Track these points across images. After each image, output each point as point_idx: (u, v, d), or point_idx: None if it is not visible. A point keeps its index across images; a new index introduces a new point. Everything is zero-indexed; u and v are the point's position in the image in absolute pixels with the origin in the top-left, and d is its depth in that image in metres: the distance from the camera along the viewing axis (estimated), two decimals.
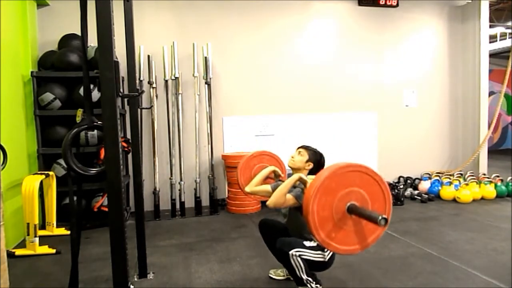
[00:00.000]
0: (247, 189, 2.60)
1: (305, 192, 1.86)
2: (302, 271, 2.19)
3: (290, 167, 2.48)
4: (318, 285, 2.27)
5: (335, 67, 5.57)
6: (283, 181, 2.38)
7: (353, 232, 1.79)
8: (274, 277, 2.70)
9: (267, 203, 2.26)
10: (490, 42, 6.38)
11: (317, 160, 2.43)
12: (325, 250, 2.24)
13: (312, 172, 2.40)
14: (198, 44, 4.75)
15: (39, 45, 4.44)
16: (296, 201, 2.20)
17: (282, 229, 2.51)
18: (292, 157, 2.46)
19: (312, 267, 2.25)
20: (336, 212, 1.75)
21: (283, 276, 2.68)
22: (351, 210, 1.75)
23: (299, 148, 2.49)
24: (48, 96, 4.01)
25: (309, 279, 2.21)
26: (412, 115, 5.98)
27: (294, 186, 2.25)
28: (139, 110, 4.12)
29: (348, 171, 1.78)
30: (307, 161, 2.41)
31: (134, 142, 2.85)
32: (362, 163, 1.82)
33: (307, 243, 2.24)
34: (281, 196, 2.18)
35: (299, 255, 2.18)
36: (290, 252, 2.16)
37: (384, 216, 1.61)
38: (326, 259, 2.27)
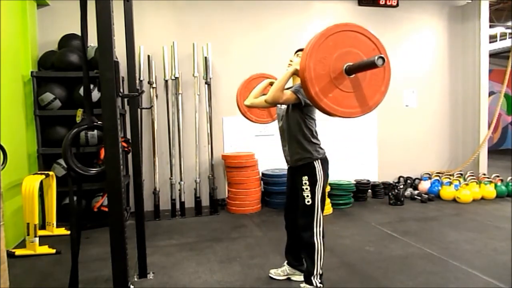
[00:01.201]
0: (247, 102, 2.58)
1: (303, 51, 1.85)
2: (320, 259, 2.29)
3: (292, 70, 2.38)
4: (321, 285, 2.32)
5: None
6: None
7: (353, 95, 1.80)
8: (274, 277, 2.70)
9: (265, 98, 2.30)
10: (490, 42, 6.39)
11: None
12: (316, 178, 2.32)
13: None
14: (198, 44, 4.75)
15: (39, 45, 4.44)
16: (295, 96, 2.23)
17: (293, 196, 2.48)
18: (291, 61, 2.43)
19: (325, 187, 2.38)
20: (333, 70, 1.75)
21: (284, 276, 2.68)
22: (349, 70, 1.75)
23: (297, 51, 2.44)
24: (48, 96, 4.01)
25: (320, 272, 2.29)
26: (412, 115, 5.97)
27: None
28: (139, 110, 4.12)
29: (345, 30, 1.80)
30: None
31: (134, 142, 2.85)
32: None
33: (307, 201, 2.31)
34: (278, 89, 2.21)
35: (323, 244, 2.30)
36: (316, 242, 2.27)
37: (380, 55, 1.61)
38: (322, 175, 2.34)
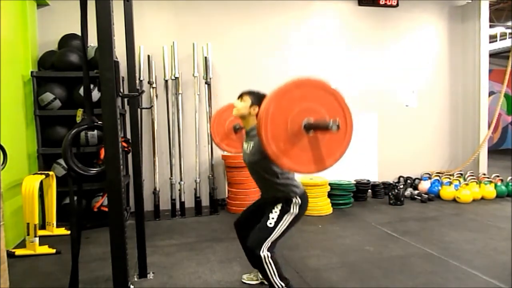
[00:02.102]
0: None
1: (262, 103, 1.79)
2: (275, 276, 2.13)
3: (235, 116, 2.35)
4: None
5: (335, 67, 5.57)
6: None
7: (310, 152, 1.74)
8: (247, 282, 2.65)
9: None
10: (490, 42, 6.38)
11: (262, 101, 2.24)
12: (290, 208, 2.19)
13: None
14: (198, 44, 4.74)
15: (39, 45, 4.44)
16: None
17: (252, 219, 2.36)
18: (235, 105, 2.32)
19: (289, 228, 2.21)
20: (292, 126, 1.71)
21: (257, 280, 2.63)
22: (308, 126, 1.71)
23: (239, 95, 2.35)
24: (48, 96, 4.01)
25: (282, 283, 2.15)
26: (412, 115, 5.97)
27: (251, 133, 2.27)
28: (139, 110, 4.12)
29: (312, 85, 1.76)
30: (251, 105, 2.25)
31: (134, 142, 2.85)
32: (326, 81, 1.79)
33: (270, 222, 2.16)
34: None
35: (271, 256, 2.11)
36: (262, 255, 2.09)
37: (336, 121, 1.57)
38: (297, 211, 2.20)
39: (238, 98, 2.34)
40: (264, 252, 2.10)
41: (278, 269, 2.13)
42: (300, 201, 2.22)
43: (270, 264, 2.11)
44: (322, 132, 1.72)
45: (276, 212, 2.19)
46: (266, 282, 2.51)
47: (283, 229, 2.18)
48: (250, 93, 2.30)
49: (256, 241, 2.15)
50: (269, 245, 2.13)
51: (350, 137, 1.84)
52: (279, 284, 2.14)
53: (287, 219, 2.19)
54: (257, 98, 2.26)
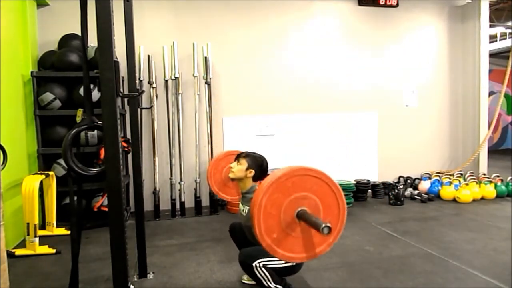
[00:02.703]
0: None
1: (256, 190, 1.78)
2: (269, 281, 2.11)
3: (231, 178, 2.38)
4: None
5: (335, 67, 5.57)
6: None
7: (301, 240, 1.74)
8: (247, 282, 2.64)
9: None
10: (490, 42, 6.38)
11: (258, 165, 2.34)
12: None
13: (255, 178, 2.34)
14: (198, 44, 4.74)
15: (39, 45, 4.44)
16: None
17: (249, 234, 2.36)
18: (231, 168, 2.37)
19: (281, 273, 2.16)
20: (285, 216, 1.70)
21: None
22: (301, 216, 1.70)
23: (236, 157, 2.40)
24: (48, 96, 4.01)
25: (277, 286, 2.13)
26: (412, 115, 5.97)
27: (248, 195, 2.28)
28: (139, 110, 4.12)
29: (307, 174, 1.73)
30: (247, 169, 2.31)
31: (134, 142, 2.85)
32: (325, 172, 1.77)
33: None
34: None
35: (263, 265, 2.09)
36: (253, 264, 2.08)
37: (327, 224, 1.56)
38: (294, 263, 2.15)
39: (235, 160, 2.38)
40: (256, 263, 2.09)
41: (271, 274, 2.11)
42: None
43: (262, 272, 2.10)
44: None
45: None
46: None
47: (280, 265, 2.13)
48: (247, 156, 2.34)
49: (251, 255, 2.12)
50: (263, 265, 2.09)
51: (342, 225, 1.84)
52: (273, 287, 2.13)
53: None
54: (254, 160, 2.31)
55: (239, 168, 2.32)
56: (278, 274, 2.16)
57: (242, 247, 2.39)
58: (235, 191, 2.86)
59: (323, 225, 1.57)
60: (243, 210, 2.36)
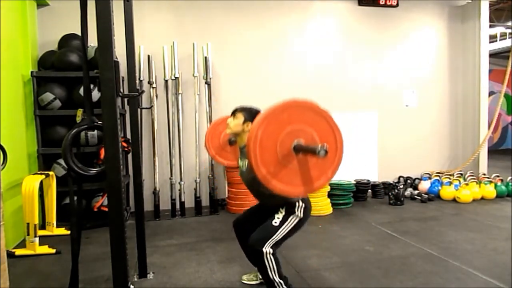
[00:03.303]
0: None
1: (252, 123, 1.77)
2: (275, 273, 2.12)
3: (230, 135, 2.36)
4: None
5: (335, 67, 5.57)
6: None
7: (298, 173, 1.73)
8: (247, 282, 2.64)
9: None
10: (490, 42, 6.38)
11: (254, 118, 2.19)
12: (295, 211, 2.19)
13: None
14: (198, 44, 4.74)
15: (39, 45, 4.44)
16: None
17: (254, 220, 2.37)
18: (228, 124, 2.32)
19: (294, 231, 2.20)
20: (281, 149, 1.69)
21: (257, 280, 2.62)
22: (297, 148, 1.70)
23: (232, 112, 2.35)
24: (48, 96, 4.01)
25: (281, 281, 2.14)
26: (412, 115, 5.97)
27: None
28: (139, 110, 4.12)
29: (302, 106, 1.74)
30: (244, 122, 2.26)
31: (134, 142, 2.85)
32: (321, 105, 1.78)
33: (275, 222, 2.17)
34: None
35: (272, 253, 2.11)
36: (264, 250, 2.08)
37: (324, 147, 1.56)
38: (301, 215, 2.20)
39: (231, 115, 2.34)
40: (266, 248, 2.10)
41: (278, 267, 2.13)
42: (303, 205, 2.22)
43: (271, 260, 2.11)
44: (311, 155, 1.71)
45: (281, 213, 2.20)
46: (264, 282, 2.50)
47: (287, 230, 2.18)
48: (243, 110, 2.31)
49: (259, 239, 2.14)
50: (272, 244, 2.13)
51: (340, 158, 1.81)
52: (278, 281, 2.14)
53: (293, 220, 2.19)
54: (250, 114, 2.27)
55: (236, 123, 2.28)
56: (293, 233, 2.20)
57: (245, 242, 2.37)
58: (233, 155, 2.80)
59: (319, 148, 1.55)
60: (243, 165, 2.32)
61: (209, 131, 2.86)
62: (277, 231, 2.15)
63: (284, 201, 2.19)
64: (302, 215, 2.21)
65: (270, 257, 2.10)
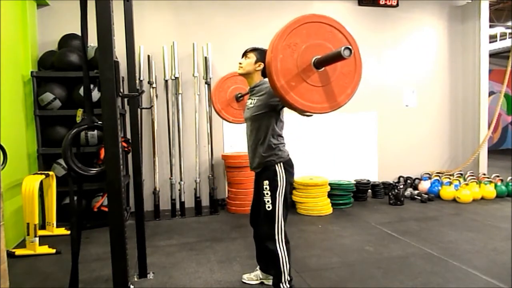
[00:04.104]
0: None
1: (272, 38, 1.77)
2: (286, 266, 2.19)
3: (240, 74, 2.35)
4: None
5: None
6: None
7: (321, 90, 1.72)
8: (247, 282, 2.64)
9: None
10: (490, 42, 6.39)
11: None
12: (276, 182, 2.22)
13: (264, 73, 2.26)
14: (198, 44, 4.75)
15: (39, 45, 4.44)
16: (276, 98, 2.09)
17: (256, 211, 2.41)
18: (240, 63, 2.32)
19: (287, 196, 2.26)
20: (301, 62, 1.69)
21: (257, 280, 2.63)
22: (318, 63, 1.69)
23: (244, 53, 2.34)
24: (48, 96, 4.01)
25: (288, 278, 2.21)
26: (412, 115, 5.97)
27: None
28: (139, 110, 4.12)
29: (320, 22, 1.76)
30: (256, 62, 2.26)
31: (134, 142, 2.85)
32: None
33: (268, 207, 2.22)
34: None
35: (287, 249, 2.19)
36: (277, 238, 2.17)
37: (347, 46, 1.55)
38: (284, 181, 2.23)
39: (243, 56, 2.33)
40: (280, 248, 2.18)
41: (289, 260, 2.21)
42: (283, 169, 2.25)
43: (285, 259, 2.19)
44: (333, 63, 1.70)
45: (267, 193, 2.23)
46: (265, 282, 2.52)
47: (281, 204, 2.23)
48: (255, 50, 2.30)
49: (267, 236, 2.21)
50: (282, 235, 2.20)
51: (360, 70, 1.80)
52: (288, 279, 2.21)
53: (280, 193, 2.23)
54: (262, 54, 2.24)
55: (248, 62, 2.26)
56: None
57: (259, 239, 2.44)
58: (238, 112, 2.80)
59: (342, 48, 1.53)
60: (250, 103, 2.33)
61: (217, 85, 2.82)
62: (274, 215, 2.21)
63: (266, 160, 2.24)
64: (284, 181, 2.24)
65: (283, 245, 2.20)
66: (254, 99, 2.29)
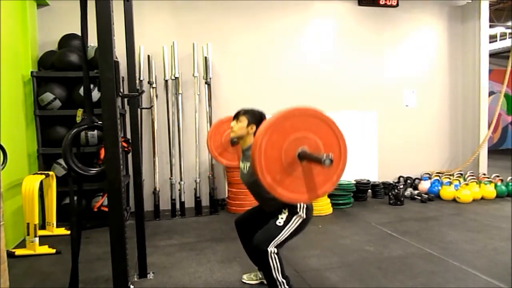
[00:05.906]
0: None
1: (257, 131, 1.77)
2: (278, 272, 2.12)
3: (234, 138, 2.35)
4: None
5: (335, 67, 5.57)
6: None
7: (303, 180, 1.74)
8: (247, 281, 2.64)
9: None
10: (490, 42, 6.38)
11: (258, 120, 2.26)
12: (298, 210, 2.19)
13: None
14: (198, 44, 4.75)
15: (39, 45, 4.44)
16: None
17: (256, 219, 2.38)
18: (232, 127, 2.31)
19: (298, 232, 2.21)
20: (286, 157, 1.70)
21: (257, 280, 2.63)
22: (302, 155, 1.71)
23: (235, 116, 2.32)
24: (48, 96, 4.01)
25: (284, 281, 2.14)
26: (412, 115, 5.97)
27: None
28: (139, 110, 4.12)
29: (305, 115, 1.75)
30: (248, 125, 2.25)
31: (134, 142, 2.85)
32: (324, 113, 1.78)
33: (279, 222, 2.17)
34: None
35: (276, 252, 2.11)
36: (269, 250, 2.08)
37: (329, 156, 1.57)
38: (304, 216, 2.19)
39: (234, 119, 2.32)
40: (271, 248, 2.10)
41: (281, 266, 2.13)
42: (305, 205, 2.21)
43: (275, 259, 2.11)
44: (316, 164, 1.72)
45: (285, 213, 2.19)
46: (265, 282, 2.51)
47: (292, 230, 2.17)
48: (246, 112, 2.29)
49: (264, 239, 2.14)
50: (276, 244, 2.13)
51: (344, 164, 1.81)
52: (280, 280, 2.14)
53: (296, 221, 2.18)
54: (253, 116, 2.26)
55: (240, 126, 2.26)
56: (297, 233, 2.21)
57: (247, 241, 2.39)
58: (234, 156, 2.79)
59: (324, 157, 1.57)
60: (244, 167, 2.33)
61: (212, 129, 2.84)
62: (281, 231, 2.15)
63: (284, 203, 2.17)
64: (305, 216, 2.21)
65: (274, 256, 2.10)
66: (247, 164, 2.27)
